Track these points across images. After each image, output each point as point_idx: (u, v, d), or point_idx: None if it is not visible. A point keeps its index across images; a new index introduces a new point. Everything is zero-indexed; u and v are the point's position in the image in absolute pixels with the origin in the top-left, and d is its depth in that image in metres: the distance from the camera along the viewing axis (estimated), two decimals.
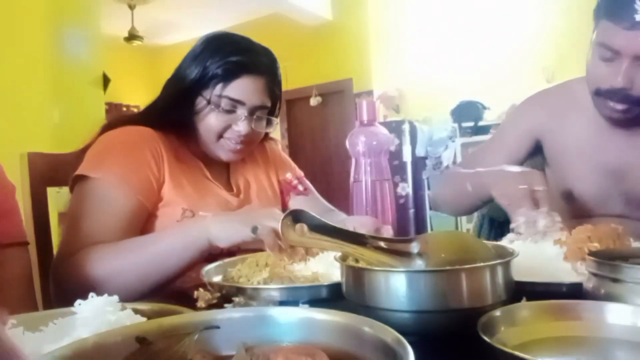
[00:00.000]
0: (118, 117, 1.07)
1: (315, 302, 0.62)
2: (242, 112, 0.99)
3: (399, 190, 4.49)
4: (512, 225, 0.86)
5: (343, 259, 0.59)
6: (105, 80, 3.38)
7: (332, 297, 0.63)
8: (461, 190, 1.12)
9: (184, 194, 0.98)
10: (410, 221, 4.53)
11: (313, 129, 5.65)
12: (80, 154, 0.97)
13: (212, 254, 0.96)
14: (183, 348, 0.39)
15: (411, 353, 0.31)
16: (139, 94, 6.35)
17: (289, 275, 0.71)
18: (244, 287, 0.66)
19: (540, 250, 0.76)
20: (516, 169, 0.97)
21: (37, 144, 1.86)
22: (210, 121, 0.99)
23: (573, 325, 0.48)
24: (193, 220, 0.88)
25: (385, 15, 5.09)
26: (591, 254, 0.56)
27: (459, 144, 4.41)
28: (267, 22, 5.37)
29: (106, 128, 1.01)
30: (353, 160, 1.18)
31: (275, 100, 1.06)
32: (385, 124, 3.40)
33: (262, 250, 0.82)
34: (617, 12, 0.91)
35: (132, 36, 5.41)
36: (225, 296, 0.66)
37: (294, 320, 0.42)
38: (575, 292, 0.56)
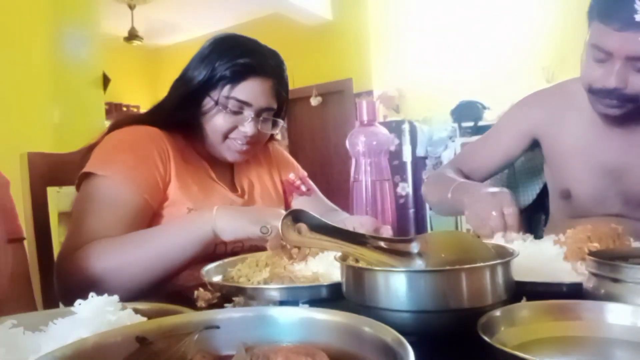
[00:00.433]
0: (125, 117, 1.07)
1: (315, 302, 0.62)
2: (248, 113, 1.00)
3: (399, 190, 4.49)
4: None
5: (343, 259, 0.59)
6: (105, 80, 3.38)
7: (332, 297, 0.63)
8: (443, 195, 1.12)
9: (189, 193, 0.98)
10: (410, 221, 4.53)
11: (313, 129, 5.65)
12: (87, 153, 0.98)
13: (217, 254, 0.97)
14: (183, 348, 0.39)
15: (411, 353, 0.31)
16: (139, 94, 6.35)
17: (289, 275, 0.71)
18: (244, 287, 0.66)
19: (540, 250, 0.76)
20: (487, 191, 0.98)
21: (37, 144, 1.86)
22: (217, 122, 1.00)
23: (573, 325, 0.48)
24: (199, 214, 0.88)
25: (385, 15, 5.09)
26: (591, 254, 0.56)
27: (459, 144, 4.40)
28: (267, 22, 5.37)
29: (113, 127, 1.02)
30: (353, 160, 1.19)
31: (281, 102, 1.06)
32: (385, 124, 3.40)
33: (264, 249, 0.83)
34: (609, 13, 0.92)
35: (132, 36, 5.40)
36: (225, 296, 0.66)
37: (294, 320, 0.42)
38: (575, 292, 0.57)
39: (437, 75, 4.78)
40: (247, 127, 1.00)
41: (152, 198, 0.94)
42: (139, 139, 0.98)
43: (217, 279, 0.75)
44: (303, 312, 0.43)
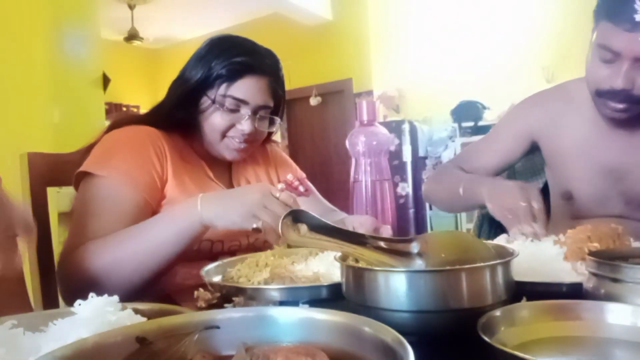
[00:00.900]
0: (124, 117, 1.08)
1: (315, 302, 0.62)
2: (245, 111, 1.01)
3: (399, 190, 4.49)
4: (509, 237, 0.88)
5: (343, 259, 0.59)
6: (105, 80, 3.39)
7: (332, 297, 0.63)
8: (453, 191, 1.12)
9: (186, 192, 0.98)
10: (410, 221, 4.53)
11: (313, 129, 5.65)
12: (86, 152, 0.98)
13: (214, 253, 0.97)
14: (183, 348, 0.39)
15: (411, 353, 0.31)
16: (139, 94, 6.36)
17: (289, 276, 0.71)
18: (244, 287, 0.66)
19: (540, 250, 0.76)
20: (513, 183, 0.97)
21: (37, 144, 1.86)
22: (214, 120, 1.01)
23: (573, 325, 0.48)
24: (183, 206, 0.86)
25: (385, 16, 5.09)
26: (591, 254, 0.56)
27: (459, 144, 4.40)
28: (267, 22, 5.37)
29: (112, 127, 1.03)
30: (353, 160, 1.19)
31: (278, 100, 1.07)
32: (385, 124, 3.40)
33: (261, 248, 0.83)
34: (617, 13, 0.91)
35: (132, 36, 5.41)
36: (225, 296, 0.66)
37: (294, 320, 0.42)
38: (575, 292, 0.56)
39: (437, 75, 4.78)
40: (245, 125, 1.01)
41: (151, 197, 0.94)
42: (136, 138, 0.99)
43: (217, 279, 0.75)
44: (303, 312, 0.43)
